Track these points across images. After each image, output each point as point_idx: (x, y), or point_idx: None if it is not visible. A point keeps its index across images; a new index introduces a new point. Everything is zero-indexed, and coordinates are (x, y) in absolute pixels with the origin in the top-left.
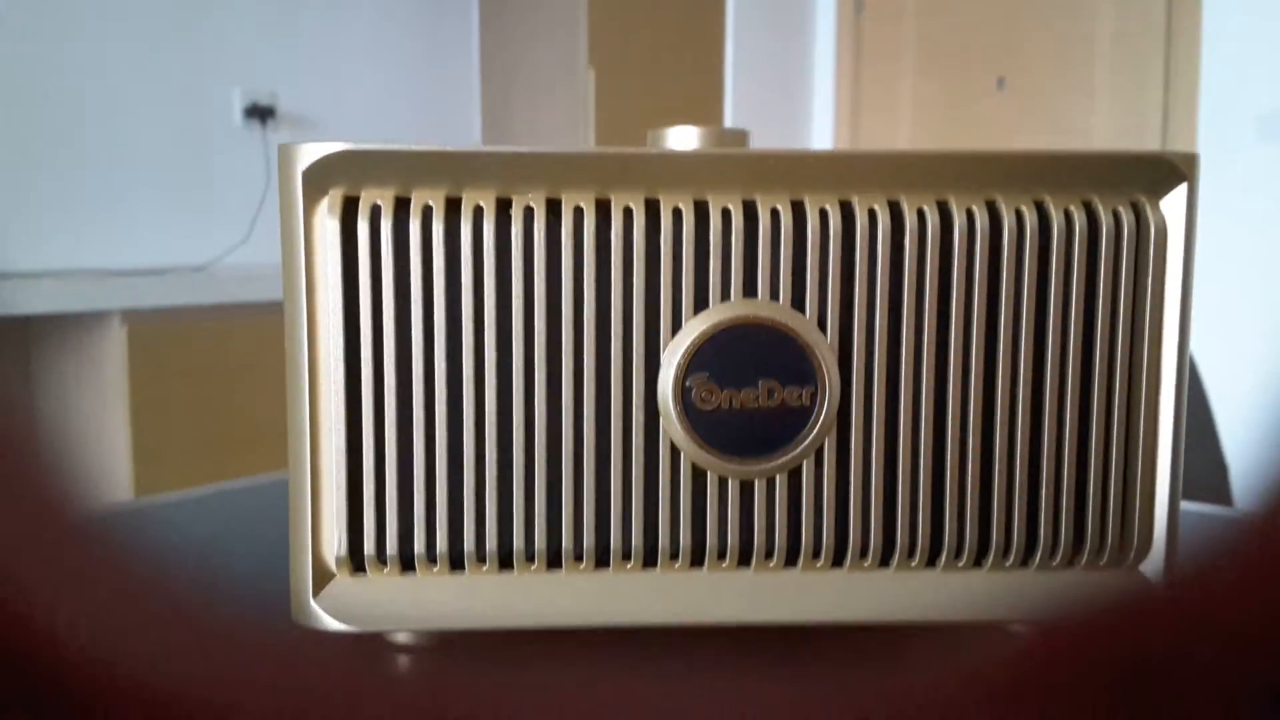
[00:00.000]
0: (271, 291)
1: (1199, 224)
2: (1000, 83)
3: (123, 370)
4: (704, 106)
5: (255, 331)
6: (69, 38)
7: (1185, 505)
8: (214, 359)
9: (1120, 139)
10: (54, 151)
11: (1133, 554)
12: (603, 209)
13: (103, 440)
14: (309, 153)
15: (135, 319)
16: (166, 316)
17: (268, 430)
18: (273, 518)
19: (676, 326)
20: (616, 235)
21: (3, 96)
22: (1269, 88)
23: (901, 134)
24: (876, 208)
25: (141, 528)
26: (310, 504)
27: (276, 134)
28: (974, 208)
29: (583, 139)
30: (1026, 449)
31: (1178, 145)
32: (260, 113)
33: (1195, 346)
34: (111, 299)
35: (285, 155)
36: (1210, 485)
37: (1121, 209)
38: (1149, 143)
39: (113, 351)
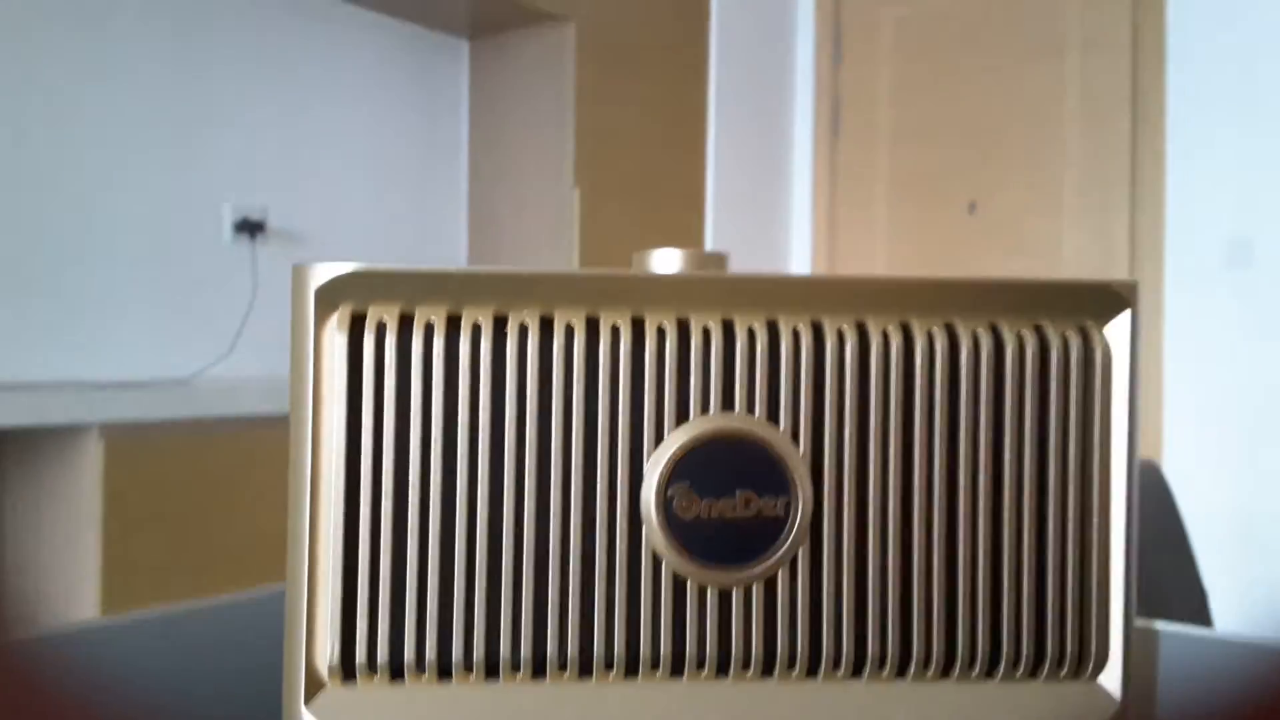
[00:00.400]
0: (254, 406)
1: (1159, 346)
2: (971, 207)
3: (97, 485)
4: (685, 226)
5: (235, 448)
6: (55, 147)
7: (1165, 626)
8: (191, 475)
9: (1089, 263)
10: (41, 263)
11: (1091, 664)
12: (592, 326)
13: (73, 559)
14: (322, 273)
15: (113, 433)
16: (145, 431)
17: (241, 550)
18: (242, 641)
19: (659, 438)
20: (604, 353)
21: None
22: (1234, 215)
23: (877, 254)
24: (845, 330)
25: (112, 654)
26: (306, 611)
27: (266, 248)
28: (934, 330)
29: (567, 256)
30: (988, 560)
31: (1146, 270)
32: (250, 227)
33: (1169, 471)
34: (90, 412)
35: (299, 275)
36: (1189, 608)
37: (1070, 332)
38: (1118, 266)
39: (88, 466)
